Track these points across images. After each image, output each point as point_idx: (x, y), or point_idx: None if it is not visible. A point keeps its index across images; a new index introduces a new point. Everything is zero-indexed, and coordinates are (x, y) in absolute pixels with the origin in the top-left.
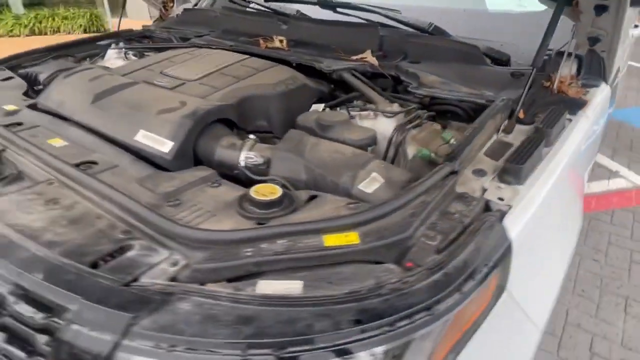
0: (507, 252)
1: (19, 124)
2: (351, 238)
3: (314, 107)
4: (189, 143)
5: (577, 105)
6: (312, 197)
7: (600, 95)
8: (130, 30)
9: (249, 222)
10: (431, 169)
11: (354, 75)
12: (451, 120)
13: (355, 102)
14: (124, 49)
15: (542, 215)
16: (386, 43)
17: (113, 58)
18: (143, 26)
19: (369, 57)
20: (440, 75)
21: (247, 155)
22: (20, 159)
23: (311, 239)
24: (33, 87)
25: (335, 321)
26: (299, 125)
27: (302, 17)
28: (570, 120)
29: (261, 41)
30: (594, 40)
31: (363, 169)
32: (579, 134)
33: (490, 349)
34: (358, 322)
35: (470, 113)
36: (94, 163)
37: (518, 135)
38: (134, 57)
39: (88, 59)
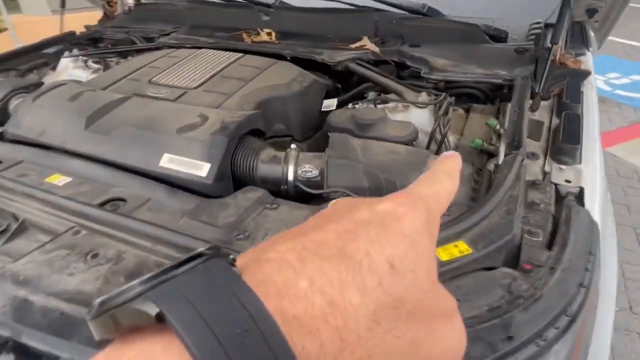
0: (597, 235)
1: None
2: (462, 247)
3: (326, 103)
4: (227, 162)
5: (582, 76)
6: None
7: (589, 62)
8: (73, 33)
9: None
10: (481, 158)
11: (360, 65)
12: (470, 103)
13: (369, 94)
14: (80, 57)
15: (603, 189)
16: (381, 28)
17: (70, 68)
18: (85, 26)
19: (368, 44)
20: (445, 58)
21: (303, 169)
22: (18, 206)
23: None
24: None
25: (488, 342)
26: (332, 127)
27: (285, 6)
28: (582, 91)
29: (244, 35)
30: (592, 12)
31: (426, 167)
32: (594, 102)
33: (600, 332)
34: (510, 338)
35: (488, 94)
36: (121, 200)
37: (542, 112)
38: (95, 65)
39: (35, 71)
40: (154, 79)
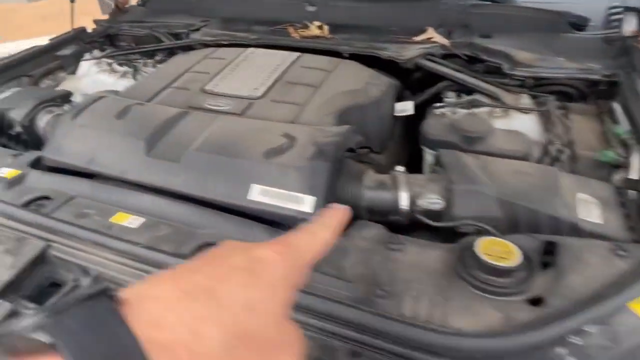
0: None
1: (45, 198)
2: None
3: (399, 106)
4: (332, 193)
5: None
6: (549, 245)
7: None
8: (84, 30)
9: (508, 302)
10: (607, 171)
11: (433, 61)
12: (567, 103)
13: (447, 95)
14: (103, 59)
15: None
16: (445, 17)
17: (93, 73)
18: (95, 21)
19: (436, 36)
20: (526, 50)
21: (429, 200)
22: (86, 256)
23: (624, 317)
24: (7, 132)
25: None
26: (430, 139)
27: None
28: None
29: (291, 29)
30: None
31: (561, 190)
32: None
33: None
34: None
35: (584, 91)
36: (213, 245)
37: None
38: (121, 68)
39: (50, 76)
40: (206, 87)
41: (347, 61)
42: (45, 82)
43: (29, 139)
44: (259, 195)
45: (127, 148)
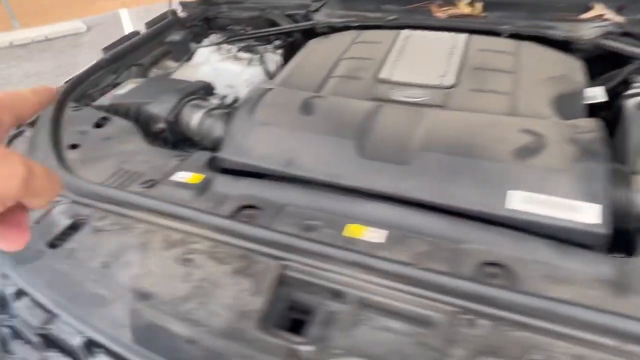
0: None
1: (251, 207)
2: None
3: (589, 93)
4: (610, 198)
5: None
6: None
7: None
8: (175, 13)
9: None
10: None
11: (617, 40)
12: None
13: (637, 80)
14: (225, 46)
15: None
16: None
17: (215, 60)
18: (181, 3)
19: (607, 12)
20: None
21: None
22: (338, 278)
23: None
24: (146, 129)
25: None
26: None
27: None
28: None
29: (434, 8)
30: None
31: None
32: None
33: None
34: None
35: None
36: (497, 265)
37: None
38: (246, 55)
39: (159, 64)
40: (380, 75)
41: (527, 43)
42: (154, 71)
43: (170, 137)
44: (522, 203)
45: (334, 149)
